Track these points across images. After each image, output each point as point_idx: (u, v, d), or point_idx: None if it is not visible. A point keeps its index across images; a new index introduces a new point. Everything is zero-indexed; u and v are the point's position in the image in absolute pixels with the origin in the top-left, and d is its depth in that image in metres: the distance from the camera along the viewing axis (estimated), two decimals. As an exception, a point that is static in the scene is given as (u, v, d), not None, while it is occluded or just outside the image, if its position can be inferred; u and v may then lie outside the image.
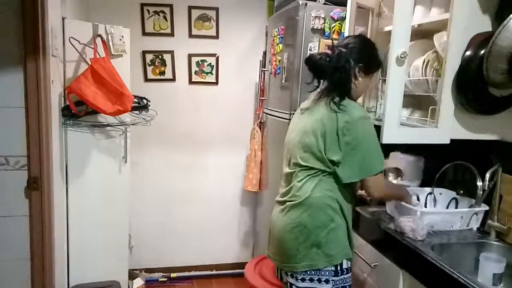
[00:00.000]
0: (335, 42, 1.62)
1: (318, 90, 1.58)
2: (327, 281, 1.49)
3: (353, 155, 1.45)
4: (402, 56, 1.52)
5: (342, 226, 1.52)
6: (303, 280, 1.50)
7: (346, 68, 1.49)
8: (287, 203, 1.55)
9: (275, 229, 1.59)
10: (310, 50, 2.26)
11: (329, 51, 1.52)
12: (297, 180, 1.53)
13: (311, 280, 1.49)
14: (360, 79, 1.53)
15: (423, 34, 1.82)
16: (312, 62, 1.53)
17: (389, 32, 1.60)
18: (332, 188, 1.50)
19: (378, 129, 1.57)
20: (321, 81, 1.56)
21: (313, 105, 1.57)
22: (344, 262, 1.52)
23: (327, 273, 1.49)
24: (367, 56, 1.54)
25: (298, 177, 1.53)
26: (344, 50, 1.50)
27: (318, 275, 1.49)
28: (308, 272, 1.49)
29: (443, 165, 1.81)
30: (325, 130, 1.47)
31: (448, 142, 1.65)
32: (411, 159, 2.03)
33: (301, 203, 1.50)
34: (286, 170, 1.61)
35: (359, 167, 1.46)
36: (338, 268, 1.51)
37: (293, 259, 1.50)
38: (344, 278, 1.52)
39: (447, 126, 1.64)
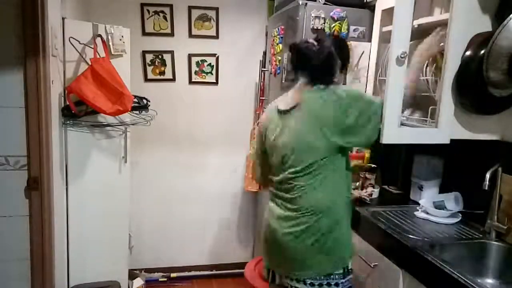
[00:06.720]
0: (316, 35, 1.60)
1: (295, 85, 1.53)
2: (336, 284, 1.47)
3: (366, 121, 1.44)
4: (402, 56, 1.52)
5: (345, 224, 1.50)
6: (312, 285, 1.47)
7: (334, 56, 1.47)
8: (291, 212, 1.48)
9: (277, 236, 1.51)
10: (310, 50, 2.25)
11: (314, 41, 1.49)
12: (298, 187, 1.46)
13: (320, 285, 1.46)
14: (337, 74, 1.52)
15: (423, 34, 1.82)
16: (298, 49, 1.48)
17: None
18: (333, 185, 1.45)
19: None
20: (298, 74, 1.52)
21: (294, 102, 1.48)
22: (349, 262, 1.52)
23: (336, 276, 1.47)
24: (345, 54, 1.56)
25: (299, 183, 1.46)
26: (328, 44, 1.49)
27: (327, 279, 1.47)
28: (318, 277, 1.46)
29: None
30: (326, 122, 1.41)
31: (448, 142, 1.65)
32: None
33: (307, 212, 1.44)
34: (281, 176, 1.53)
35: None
36: (345, 270, 1.50)
37: (302, 266, 1.46)
38: (349, 278, 1.52)
39: (447, 126, 1.64)
